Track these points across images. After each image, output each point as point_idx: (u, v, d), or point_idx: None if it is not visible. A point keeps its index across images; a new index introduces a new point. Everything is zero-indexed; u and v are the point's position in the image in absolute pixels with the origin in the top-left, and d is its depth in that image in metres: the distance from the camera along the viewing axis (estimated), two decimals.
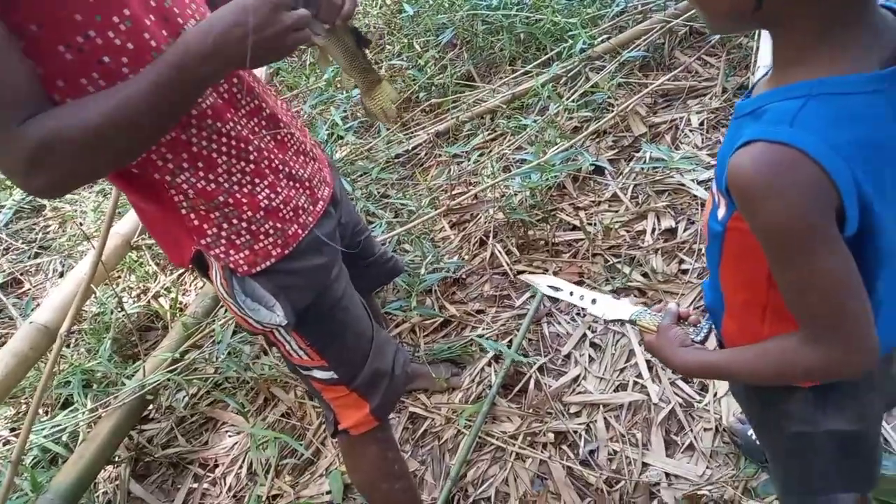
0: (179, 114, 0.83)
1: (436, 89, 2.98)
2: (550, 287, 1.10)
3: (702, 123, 2.32)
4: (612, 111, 2.40)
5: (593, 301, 1.02)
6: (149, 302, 2.32)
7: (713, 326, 0.88)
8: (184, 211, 0.97)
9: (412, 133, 2.86)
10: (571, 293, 1.06)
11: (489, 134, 2.64)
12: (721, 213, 0.72)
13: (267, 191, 1.00)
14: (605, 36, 2.60)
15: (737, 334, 0.84)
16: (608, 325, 1.82)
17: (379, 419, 1.24)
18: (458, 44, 3.08)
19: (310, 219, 1.07)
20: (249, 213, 0.99)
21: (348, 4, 1.00)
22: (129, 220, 2.29)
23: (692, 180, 2.10)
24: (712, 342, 0.89)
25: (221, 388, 2.05)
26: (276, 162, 1.02)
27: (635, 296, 1.87)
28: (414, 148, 2.80)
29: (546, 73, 2.61)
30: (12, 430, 2.08)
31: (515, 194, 2.28)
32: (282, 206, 1.02)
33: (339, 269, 1.16)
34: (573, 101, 2.42)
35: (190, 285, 2.49)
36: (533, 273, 2.07)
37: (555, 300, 1.97)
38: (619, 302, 0.98)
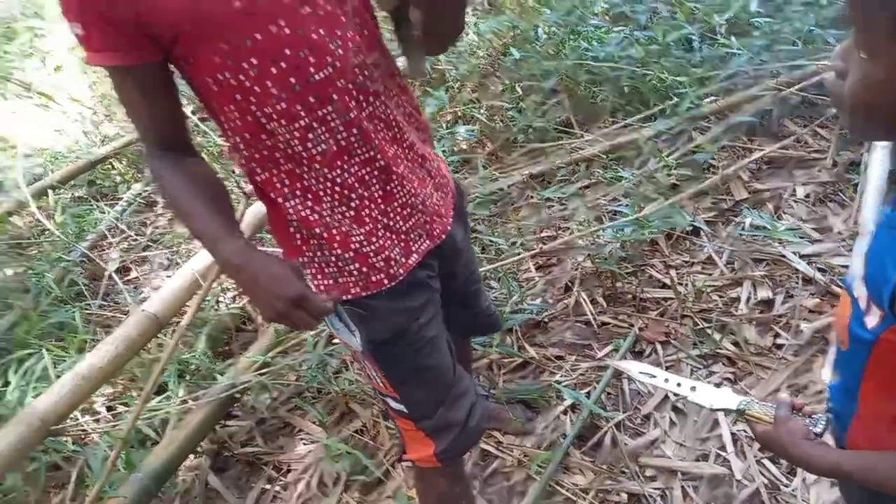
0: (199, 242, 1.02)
1: (534, 132, 3.04)
2: (644, 374, 1.07)
3: (808, 195, 2.27)
4: (714, 173, 2.38)
5: (692, 388, 0.99)
6: (244, 304, 2.45)
7: (830, 418, 0.86)
8: (291, 229, 1.07)
9: (507, 173, 2.93)
10: (667, 380, 1.03)
11: (584, 181, 2.67)
12: (872, 322, 0.70)
13: (362, 238, 1.06)
14: (713, 98, 2.59)
15: (865, 441, 0.81)
16: (713, 413, 1.76)
17: (443, 462, 1.26)
18: (559, 90, 3.14)
19: (400, 271, 1.11)
20: (339, 251, 1.06)
21: None
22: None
23: (794, 253, 2.05)
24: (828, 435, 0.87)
25: (302, 395, 2.13)
26: (377, 213, 1.06)
27: (724, 364, 1.84)
28: (507, 187, 2.86)
29: (648, 128, 2.62)
30: (108, 408, 2.23)
31: (606, 244, 2.29)
32: (372, 255, 1.08)
33: (428, 316, 1.17)
34: (674, 158, 2.42)
35: None
36: (618, 326, 2.07)
37: (638, 357, 1.96)
38: (720, 390, 0.96)
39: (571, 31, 3.12)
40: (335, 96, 0.94)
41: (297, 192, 1.02)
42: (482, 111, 3.21)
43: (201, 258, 2.22)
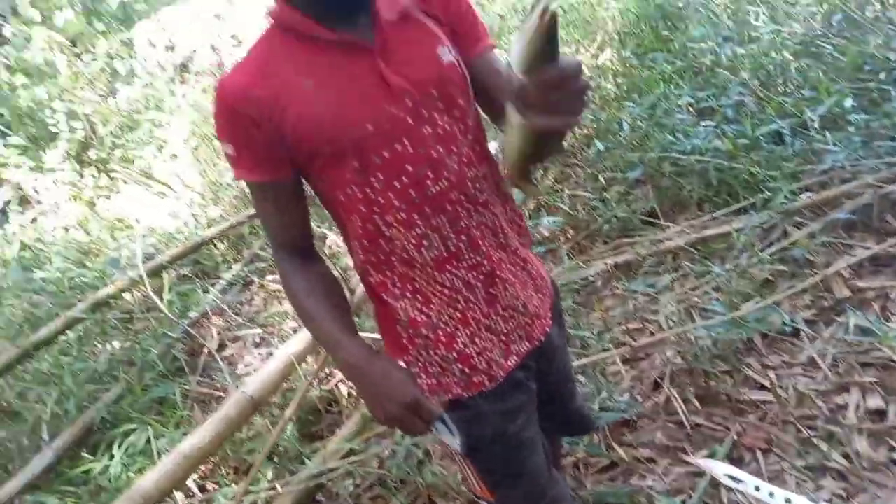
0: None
1: (618, 222, 3.05)
2: (729, 477, 1.01)
3: None
4: (812, 270, 2.30)
5: (787, 501, 0.93)
6: (333, 388, 2.52)
7: None
8: (399, 328, 1.12)
9: (591, 262, 2.93)
10: (758, 488, 0.97)
11: (672, 274, 2.63)
12: None
13: (466, 339, 1.11)
14: (808, 193, 2.53)
15: None
16: None
17: None
18: (644, 181, 3.16)
19: (500, 372, 1.14)
20: (444, 352, 1.11)
21: (572, 119, 0.79)
22: None
23: None
24: None
25: (385, 485, 2.14)
26: (481, 315, 1.11)
27: (833, 478, 1.71)
28: (591, 276, 2.86)
29: (738, 221, 2.58)
30: (200, 487, 2.31)
31: (697, 340, 2.23)
32: (474, 356, 1.12)
33: (525, 418, 1.19)
34: (769, 254, 2.36)
35: None
36: (713, 429, 1.98)
37: (737, 465, 1.86)
38: None
39: (656, 123, 3.17)
40: (449, 207, 1.02)
41: (408, 294, 1.09)
42: (565, 201, 3.27)
43: (296, 342, 2.33)
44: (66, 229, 4.40)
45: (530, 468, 1.21)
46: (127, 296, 3.48)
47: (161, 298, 3.15)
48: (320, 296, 1.07)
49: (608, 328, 2.47)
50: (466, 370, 1.12)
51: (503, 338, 1.14)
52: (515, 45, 0.75)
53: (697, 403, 2.07)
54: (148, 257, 3.57)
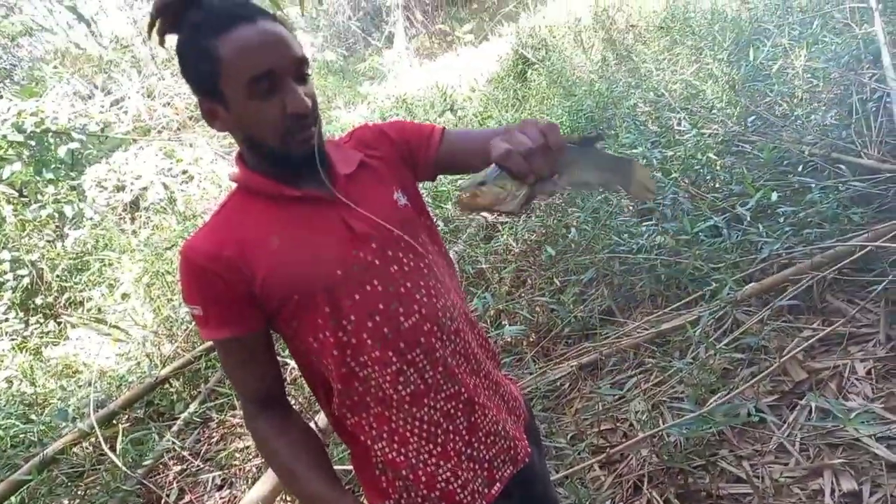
0: None
1: (576, 322, 3.11)
2: None
3: (869, 372, 2.22)
4: (766, 354, 2.37)
5: None
6: None
7: None
8: (377, 472, 1.10)
9: (555, 365, 2.95)
10: None
11: (636, 371, 2.66)
12: None
13: (448, 474, 1.09)
14: (752, 283, 2.66)
15: None
16: None
17: None
18: (597, 280, 3.26)
19: (483, 502, 1.11)
20: (425, 492, 1.08)
21: (551, 136, 0.86)
22: None
23: (870, 436, 1.96)
24: None
25: None
26: (462, 444, 1.09)
27: None
28: (558, 381, 2.86)
29: (689, 314, 2.67)
30: None
31: (669, 436, 2.22)
32: (458, 490, 1.09)
33: None
34: (725, 344, 2.43)
35: None
36: None
37: None
38: None
39: (602, 225, 3.32)
40: (423, 339, 1.04)
41: (385, 435, 1.06)
42: (523, 306, 3.33)
43: (260, 487, 2.21)
44: (10, 382, 4.18)
45: None
46: (76, 448, 3.28)
47: (114, 449, 2.97)
48: (302, 454, 1.06)
49: (581, 432, 2.44)
50: None
51: (486, 465, 1.13)
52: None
53: (678, 503, 2.03)
54: (99, 404, 3.40)
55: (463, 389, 1.09)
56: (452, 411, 1.08)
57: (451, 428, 1.08)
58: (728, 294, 2.56)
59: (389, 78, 11.25)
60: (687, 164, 3.50)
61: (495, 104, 6.63)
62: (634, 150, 3.79)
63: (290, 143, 0.96)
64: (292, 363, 1.25)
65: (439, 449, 1.08)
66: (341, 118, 8.96)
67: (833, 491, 1.89)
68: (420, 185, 1.21)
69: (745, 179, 3.01)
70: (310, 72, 1.00)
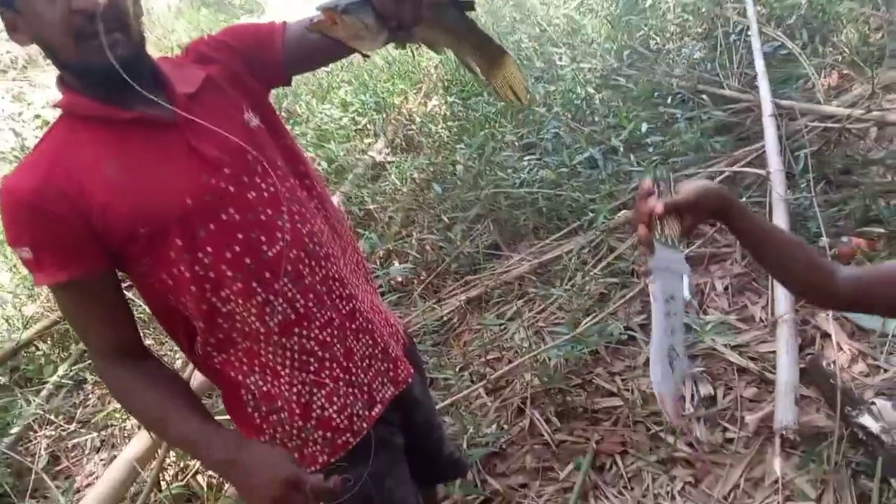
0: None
1: (464, 258, 3.15)
2: None
3: (726, 288, 2.41)
4: (638, 277, 2.51)
5: None
6: (187, 481, 2.30)
7: None
8: (249, 409, 1.06)
9: (445, 301, 2.98)
10: None
11: (520, 301, 2.74)
12: None
13: (323, 400, 1.07)
14: (624, 211, 2.78)
15: None
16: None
17: None
18: (484, 216, 3.30)
19: (364, 424, 1.11)
20: (301, 423, 1.06)
21: None
22: None
23: (725, 345, 2.14)
24: None
25: None
26: (339, 370, 1.08)
27: (682, 466, 1.84)
28: (446, 315, 2.90)
29: (570, 244, 2.77)
30: None
31: (550, 360, 2.32)
32: (335, 416, 1.08)
33: (395, 476, 1.16)
34: (600, 270, 2.54)
35: None
36: (575, 443, 2.06)
37: (600, 472, 1.94)
38: None
39: (487, 161, 3.34)
40: (289, 267, 0.98)
41: (256, 369, 1.03)
42: (413, 245, 3.32)
43: (136, 444, 2.10)
44: None
45: None
46: None
47: None
48: (169, 401, 0.97)
49: (468, 363, 2.50)
50: (328, 434, 1.08)
51: (365, 388, 1.12)
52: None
53: (558, 421, 2.15)
54: None
55: (335, 316, 1.06)
56: (328, 339, 1.05)
57: (326, 356, 1.05)
58: (603, 223, 2.67)
59: (268, 10, 10.60)
60: (567, 99, 3.56)
61: None
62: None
63: (85, 51, 0.85)
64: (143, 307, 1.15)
65: (312, 377, 1.05)
66: None
67: (693, 396, 2.06)
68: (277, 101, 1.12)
69: (620, 112, 3.10)
70: None
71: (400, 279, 3.25)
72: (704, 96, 3.12)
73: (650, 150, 2.86)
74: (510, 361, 2.46)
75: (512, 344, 2.52)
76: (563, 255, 2.60)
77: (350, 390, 1.09)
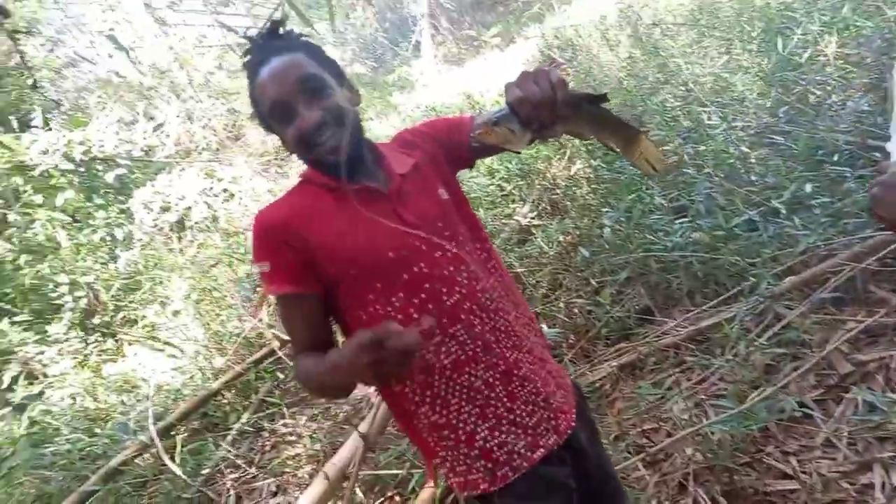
0: (335, 393, 1.26)
1: (614, 322, 3.12)
2: None
3: None
4: (810, 348, 2.36)
5: None
6: None
7: None
8: (424, 434, 1.23)
9: (595, 367, 2.97)
10: None
11: (676, 369, 2.67)
12: None
13: (486, 433, 1.19)
14: (791, 277, 2.64)
15: None
16: None
17: None
18: (634, 279, 3.27)
19: (524, 464, 1.21)
20: (466, 450, 1.20)
21: (561, 93, 1.00)
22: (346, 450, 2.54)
23: None
24: None
25: None
26: (502, 409, 1.21)
27: None
28: (598, 380, 2.89)
29: (728, 311, 2.66)
30: None
31: (713, 433, 2.23)
32: (496, 449, 1.20)
33: None
34: (766, 339, 2.42)
35: None
36: None
37: None
38: None
39: (635, 224, 3.33)
40: (463, 316, 1.18)
41: (427, 399, 1.20)
42: (561, 309, 3.36)
43: (310, 494, 2.30)
44: (74, 398, 4.40)
45: None
46: (138, 459, 3.44)
47: (173, 459, 3.12)
48: (320, 358, 1.12)
49: (624, 432, 2.46)
50: (489, 465, 1.21)
51: (530, 431, 1.23)
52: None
53: (725, 502, 2.04)
54: (157, 417, 3.56)
55: (501, 362, 1.21)
56: (491, 380, 1.20)
57: (490, 395, 1.20)
58: (767, 288, 2.55)
59: (418, 87, 11.37)
60: (720, 159, 3.48)
61: None
62: (666, 147, 3.78)
63: (319, 153, 1.15)
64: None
65: (478, 410, 1.20)
66: (373, 129, 9.11)
67: (884, 485, 1.88)
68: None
69: (780, 171, 2.98)
70: (318, 85, 1.16)
71: (549, 342, 3.29)
72: (877, 153, 2.91)
73: (817, 211, 2.71)
74: (669, 433, 2.40)
75: (670, 415, 2.45)
76: (724, 323, 2.51)
77: (511, 429, 1.21)
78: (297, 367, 1.22)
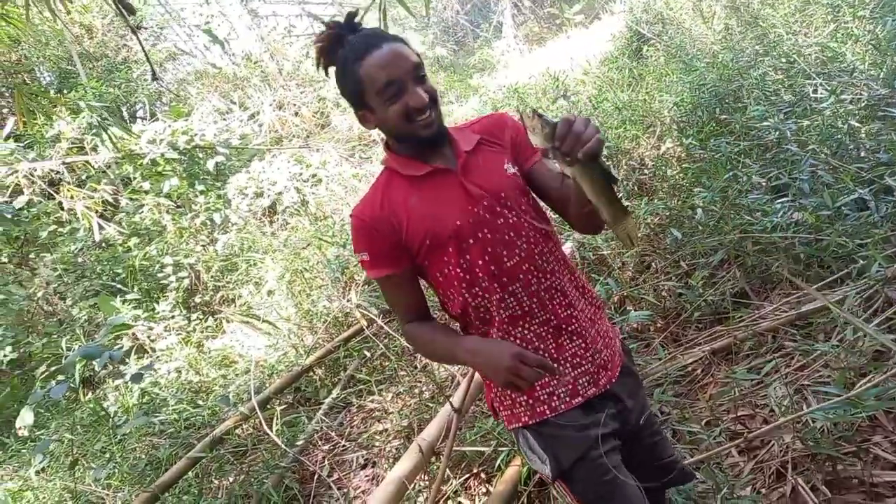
0: (447, 363, 1.57)
1: (707, 306, 3.01)
2: None
3: None
4: None
5: None
6: None
7: None
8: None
9: (686, 350, 2.88)
10: None
11: (775, 354, 2.55)
12: None
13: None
14: None
15: None
16: None
17: None
18: (728, 261, 3.13)
19: (561, 406, 1.39)
20: None
21: (593, 143, 1.14)
22: (435, 425, 2.61)
23: None
24: None
25: None
26: (547, 357, 1.39)
27: None
28: (689, 364, 2.80)
29: (834, 294, 2.51)
30: None
31: (814, 421, 2.12)
32: (537, 388, 1.39)
33: (606, 449, 1.37)
34: (876, 325, 2.27)
35: (475, 490, 2.66)
36: None
37: None
38: None
39: (731, 204, 3.18)
40: (521, 276, 1.36)
41: None
42: (649, 292, 3.27)
43: (403, 465, 2.38)
44: (179, 372, 4.73)
45: (621, 494, 1.35)
46: (238, 430, 3.67)
47: (271, 429, 3.30)
48: (436, 331, 1.44)
49: (716, 418, 2.39)
50: (530, 401, 1.41)
51: (570, 381, 1.40)
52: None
53: (827, 491, 1.95)
54: (256, 390, 3.78)
55: (553, 318, 1.39)
56: (543, 333, 1.39)
57: (540, 346, 1.39)
58: (877, 272, 2.38)
59: (499, 68, 11.27)
60: (826, 134, 3.26)
61: (610, 85, 6.46)
62: (765, 123, 3.58)
63: (416, 129, 1.31)
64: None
65: None
66: (454, 112, 9.13)
67: None
68: None
69: (894, 147, 2.76)
70: (423, 73, 1.33)
71: (635, 325, 3.22)
72: None
73: None
74: (765, 420, 2.30)
75: (767, 401, 2.35)
76: (830, 306, 2.36)
77: (557, 377, 1.39)
78: (410, 333, 1.45)
